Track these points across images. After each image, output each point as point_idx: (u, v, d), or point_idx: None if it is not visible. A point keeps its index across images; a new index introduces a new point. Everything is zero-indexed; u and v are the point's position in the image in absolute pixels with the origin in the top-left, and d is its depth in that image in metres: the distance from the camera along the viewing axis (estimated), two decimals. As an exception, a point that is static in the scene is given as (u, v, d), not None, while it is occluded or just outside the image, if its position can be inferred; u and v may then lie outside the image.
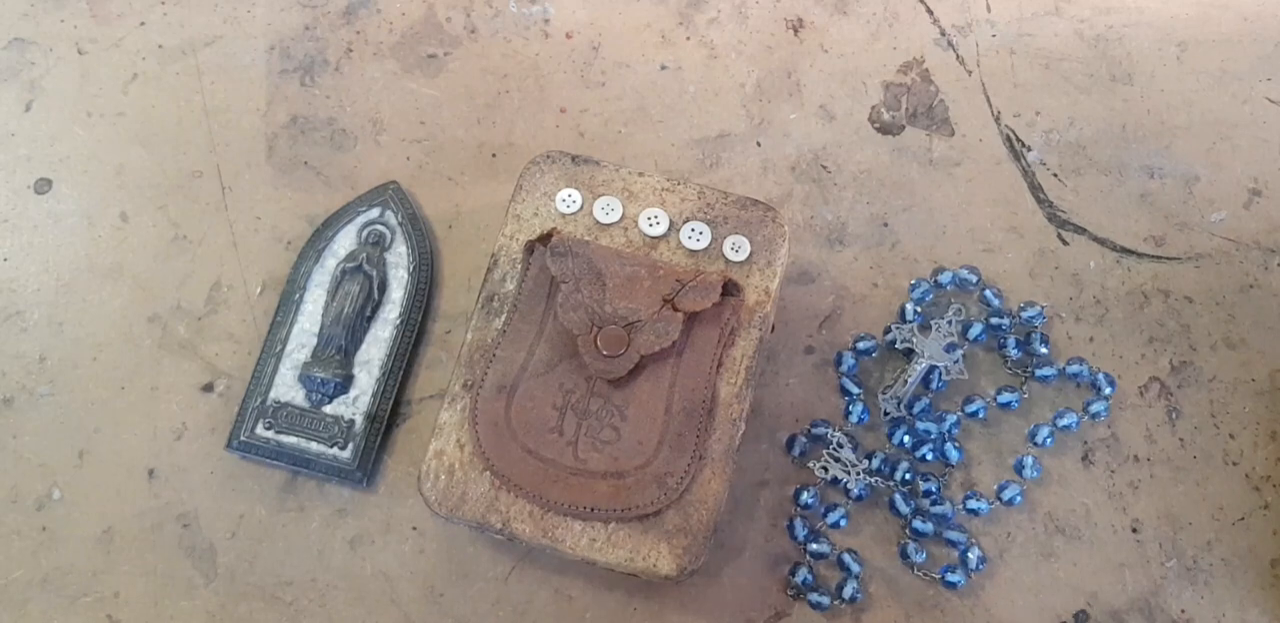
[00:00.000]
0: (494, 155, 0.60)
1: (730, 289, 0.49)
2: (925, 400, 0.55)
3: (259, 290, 0.58)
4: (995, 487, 0.54)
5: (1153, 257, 0.58)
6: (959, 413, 0.55)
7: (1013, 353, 0.56)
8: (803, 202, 0.59)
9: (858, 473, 0.53)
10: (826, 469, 0.53)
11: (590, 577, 0.54)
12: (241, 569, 0.54)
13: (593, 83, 0.61)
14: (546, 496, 0.47)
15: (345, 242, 0.57)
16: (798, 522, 0.54)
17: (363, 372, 0.55)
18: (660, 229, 0.50)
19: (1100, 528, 0.55)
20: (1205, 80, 0.61)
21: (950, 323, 0.55)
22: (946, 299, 0.57)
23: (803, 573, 0.53)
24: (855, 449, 0.54)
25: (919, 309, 0.56)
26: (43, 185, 0.59)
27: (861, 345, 0.56)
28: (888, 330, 0.55)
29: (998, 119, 0.60)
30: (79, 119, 0.60)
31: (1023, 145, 0.60)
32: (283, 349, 0.56)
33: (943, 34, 0.62)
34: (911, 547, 0.53)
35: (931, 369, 0.55)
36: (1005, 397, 0.55)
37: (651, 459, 0.47)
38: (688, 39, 0.62)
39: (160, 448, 0.55)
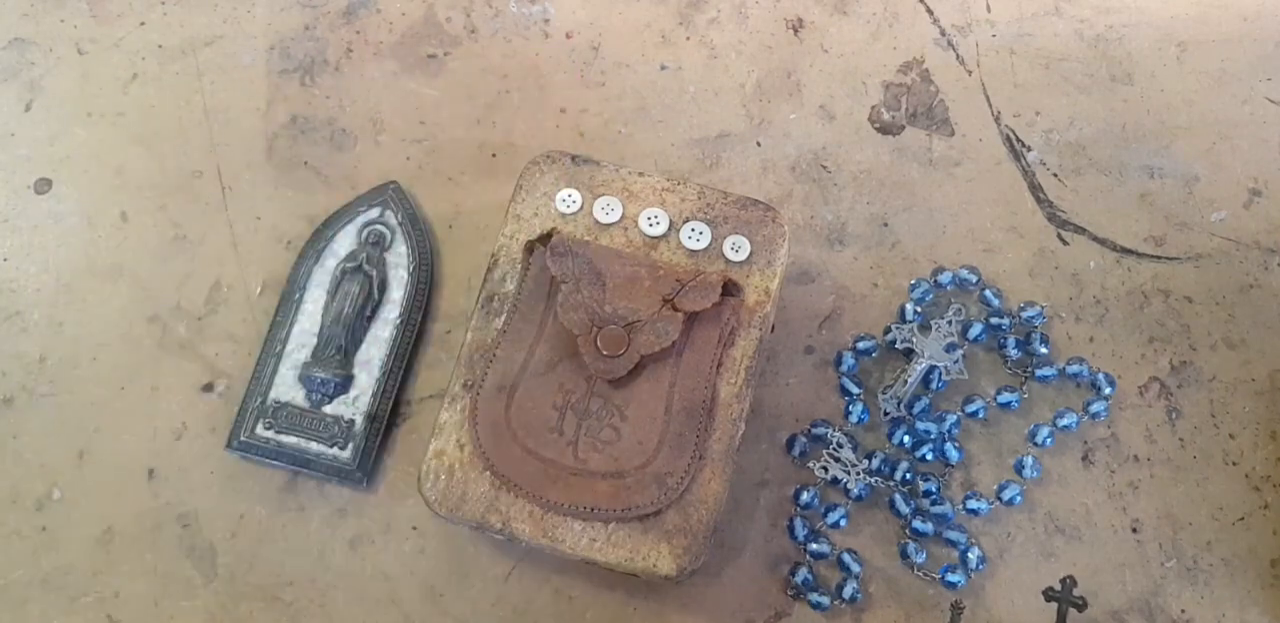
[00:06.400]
0: (494, 155, 0.60)
1: (730, 289, 0.49)
2: (925, 400, 0.55)
3: (259, 290, 0.58)
4: (995, 487, 0.54)
5: (1153, 257, 0.58)
6: (959, 413, 0.55)
7: (1013, 353, 0.56)
8: (803, 202, 0.59)
9: (858, 473, 0.53)
10: (826, 469, 0.53)
11: (590, 577, 0.54)
12: (241, 569, 0.54)
13: (593, 83, 0.61)
14: (546, 496, 0.47)
15: (345, 242, 0.57)
16: (798, 522, 0.54)
17: (363, 372, 0.55)
18: (660, 229, 0.50)
19: (1100, 528, 0.55)
20: (1205, 80, 0.61)
21: (950, 323, 0.55)
22: (946, 299, 0.57)
23: (803, 573, 0.53)
24: (855, 449, 0.54)
25: (919, 309, 0.56)
26: (43, 185, 0.59)
27: (861, 345, 0.56)
28: (888, 330, 0.55)
29: (998, 119, 0.60)
30: (79, 119, 0.60)
31: (1023, 145, 0.60)
32: (283, 349, 0.56)
33: (943, 34, 0.62)
34: (911, 547, 0.53)
35: (931, 369, 0.55)
36: (1005, 397, 0.55)
37: (651, 459, 0.47)
38: (688, 39, 0.62)
39: (160, 448, 0.55)
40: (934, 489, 0.54)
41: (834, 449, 0.54)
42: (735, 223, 0.50)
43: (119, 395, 0.56)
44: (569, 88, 0.61)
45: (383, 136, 0.60)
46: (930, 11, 0.62)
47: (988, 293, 0.57)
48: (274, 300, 0.57)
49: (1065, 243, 0.59)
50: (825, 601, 0.53)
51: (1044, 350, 0.56)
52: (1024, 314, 0.56)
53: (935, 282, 0.57)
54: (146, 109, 0.60)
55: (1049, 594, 0.52)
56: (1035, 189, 0.59)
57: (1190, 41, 0.62)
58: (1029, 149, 0.60)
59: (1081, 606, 0.51)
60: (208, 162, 0.59)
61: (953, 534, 0.53)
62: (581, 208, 0.50)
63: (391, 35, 0.61)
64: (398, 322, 0.56)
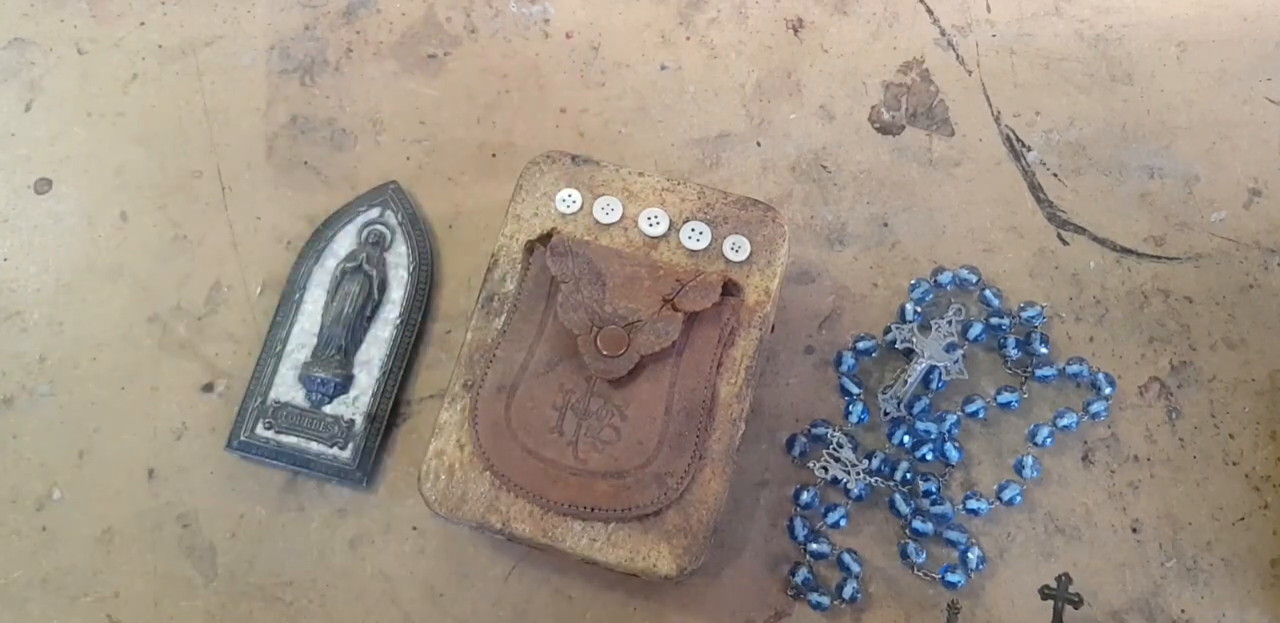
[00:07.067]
0: (494, 155, 0.60)
1: (730, 289, 0.49)
2: (925, 400, 0.55)
3: (259, 290, 0.58)
4: (995, 487, 0.54)
5: (1153, 257, 0.58)
6: (959, 413, 0.55)
7: (1013, 353, 0.56)
8: (803, 202, 0.59)
9: (858, 473, 0.53)
10: (826, 469, 0.53)
11: (590, 577, 0.54)
12: (241, 569, 0.54)
13: (593, 83, 0.61)
14: (546, 496, 0.47)
15: (345, 242, 0.57)
16: (798, 522, 0.54)
17: (363, 372, 0.55)
18: (660, 229, 0.50)
19: (1100, 528, 0.55)
20: (1205, 80, 0.61)
21: (950, 323, 0.55)
22: (946, 299, 0.57)
23: (803, 573, 0.53)
24: (855, 449, 0.54)
25: (919, 309, 0.56)
26: (43, 185, 0.59)
27: (861, 345, 0.56)
28: (888, 330, 0.55)
29: (998, 119, 0.60)
30: (79, 119, 0.60)
31: (1023, 145, 0.60)
32: (283, 349, 0.56)
33: (943, 34, 0.62)
34: (911, 547, 0.53)
35: (931, 369, 0.55)
36: (1005, 397, 0.55)
37: (651, 459, 0.47)
38: (688, 39, 0.62)
39: (160, 448, 0.55)
40: (934, 489, 0.54)
41: (834, 449, 0.54)
42: (735, 223, 0.50)
43: (119, 395, 0.56)
44: (569, 88, 0.61)
45: (383, 136, 0.60)
46: (930, 11, 0.62)
47: (988, 293, 0.57)
48: (274, 300, 0.57)
49: (1065, 243, 0.59)
50: (825, 601, 0.53)
51: (1044, 350, 0.56)
52: (1024, 314, 0.56)
53: (935, 282, 0.57)
54: (146, 109, 0.60)
55: (1045, 592, 0.52)
56: (1035, 189, 0.59)
57: (1190, 41, 0.62)
58: (1029, 149, 0.60)
59: (1077, 602, 0.51)
60: (208, 161, 0.59)
61: (953, 534, 0.53)
62: (581, 208, 0.50)
63: (391, 35, 0.61)
64: (398, 322, 0.56)
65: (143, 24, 0.61)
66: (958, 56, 0.61)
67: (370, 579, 0.54)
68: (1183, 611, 0.53)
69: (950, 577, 0.53)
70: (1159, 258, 0.58)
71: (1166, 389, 0.57)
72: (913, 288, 0.57)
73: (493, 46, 0.61)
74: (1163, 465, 0.55)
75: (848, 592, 0.53)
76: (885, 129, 0.60)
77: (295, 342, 0.56)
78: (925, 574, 0.54)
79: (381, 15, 0.62)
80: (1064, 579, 0.52)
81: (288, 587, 0.54)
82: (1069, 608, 0.52)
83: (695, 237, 0.50)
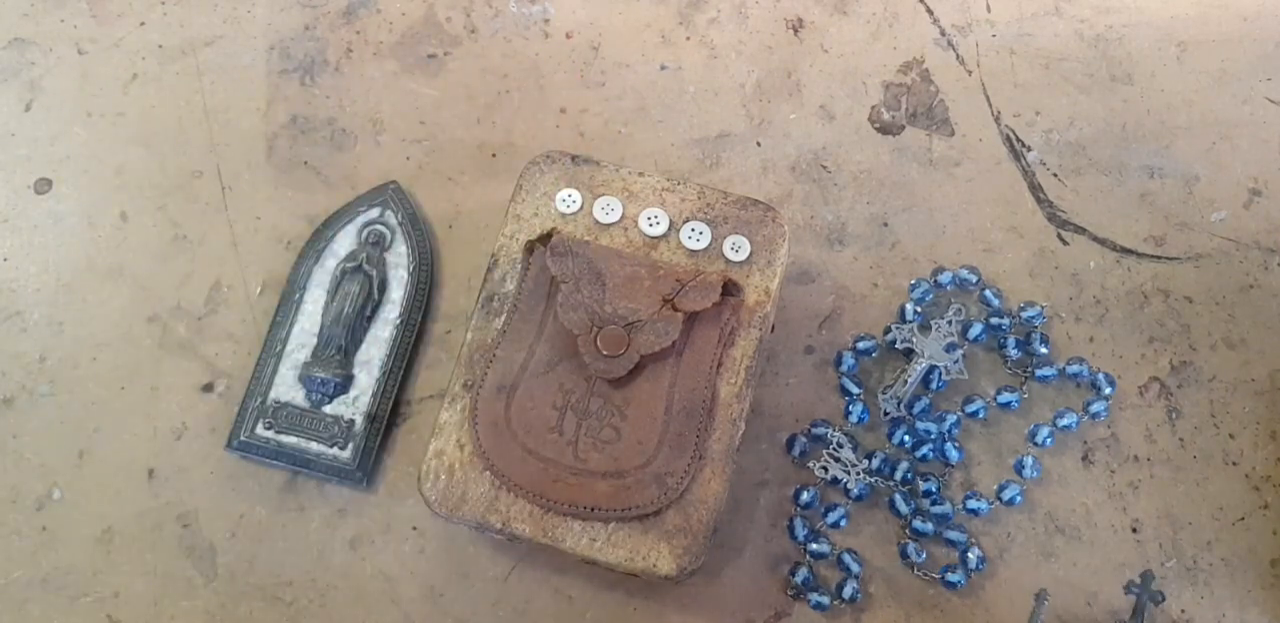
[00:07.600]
0: (494, 155, 0.60)
1: (730, 289, 0.49)
2: (925, 400, 0.55)
3: (259, 290, 0.58)
4: (995, 487, 0.54)
5: (1153, 257, 0.58)
6: (959, 413, 0.55)
7: (1013, 353, 0.56)
8: (803, 202, 0.59)
9: (858, 473, 0.53)
10: (826, 469, 0.53)
11: (590, 577, 0.54)
12: (241, 569, 0.54)
13: (593, 83, 0.61)
14: (546, 495, 0.47)
15: (345, 242, 0.57)
16: (798, 522, 0.54)
17: (363, 372, 0.55)
18: (660, 229, 0.50)
19: (1100, 528, 0.55)
20: (1205, 80, 0.61)
21: (950, 323, 0.55)
22: (946, 299, 0.57)
23: (803, 573, 0.53)
24: (855, 449, 0.54)
25: (919, 309, 0.56)
26: (43, 185, 0.59)
27: (861, 345, 0.56)
28: (888, 330, 0.55)
29: (998, 119, 0.60)
30: (79, 119, 0.60)
31: (1023, 145, 0.60)
32: (283, 349, 0.56)
33: (943, 34, 0.62)
34: (911, 547, 0.53)
35: (931, 369, 0.55)
36: (1005, 397, 0.55)
37: (651, 459, 0.47)
38: (688, 39, 0.62)
39: (160, 448, 0.55)
40: (934, 489, 0.54)
41: (834, 449, 0.54)
42: (735, 223, 0.50)
43: (119, 395, 0.56)
44: (569, 88, 0.61)
45: (383, 137, 0.60)
46: (930, 11, 0.62)
47: (988, 293, 0.57)
48: (274, 300, 0.57)
49: (1065, 243, 0.59)
50: (825, 601, 0.53)
51: (1044, 350, 0.56)
52: (1024, 314, 0.56)
53: (935, 282, 0.57)
54: (146, 109, 0.60)
55: (1128, 588, 0.52)
56: (1035, 189, 0.59)
57: (1190, 41, 0.62)
58: (1029, 149, 0.60)
59: (1160, 600, 0.51)
60: (208, 161, 0.59)
61: (953, 534, 0.53)
62: (581, 208, 0.50)
63: (391, 35, 0.61)
64: (398, 322, 0.56)
65: (143, 24, 0.61)
66: (958, 56, 0.61)
67: (370, 579, 0.54)
68: (1183, 611, 0.53)
69: (950, 577, 0.53)
70: (1159, 258, 0.58)
71: (1166, 389, 0.57)
72: (913, 288, 0.57)
73: (493, 46, 0.61)
74: (1163, 466, 0.55)
75: (848, 592, 0.53)
76: (885, 129, 0.60)
77: (295, 342, 0.56)
78: (925, 574, 0.54)
79: (381, 15, 0.62)
80: (1149, 575, 0.52)
81: (288, 587, 0.54)
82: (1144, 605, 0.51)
83: (695, 237, 0.50)
